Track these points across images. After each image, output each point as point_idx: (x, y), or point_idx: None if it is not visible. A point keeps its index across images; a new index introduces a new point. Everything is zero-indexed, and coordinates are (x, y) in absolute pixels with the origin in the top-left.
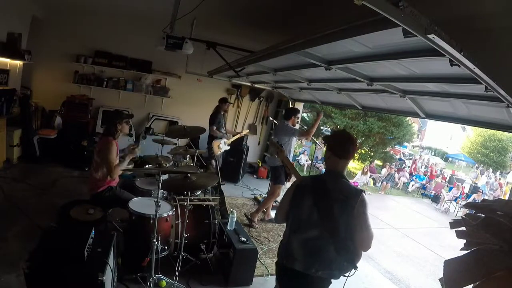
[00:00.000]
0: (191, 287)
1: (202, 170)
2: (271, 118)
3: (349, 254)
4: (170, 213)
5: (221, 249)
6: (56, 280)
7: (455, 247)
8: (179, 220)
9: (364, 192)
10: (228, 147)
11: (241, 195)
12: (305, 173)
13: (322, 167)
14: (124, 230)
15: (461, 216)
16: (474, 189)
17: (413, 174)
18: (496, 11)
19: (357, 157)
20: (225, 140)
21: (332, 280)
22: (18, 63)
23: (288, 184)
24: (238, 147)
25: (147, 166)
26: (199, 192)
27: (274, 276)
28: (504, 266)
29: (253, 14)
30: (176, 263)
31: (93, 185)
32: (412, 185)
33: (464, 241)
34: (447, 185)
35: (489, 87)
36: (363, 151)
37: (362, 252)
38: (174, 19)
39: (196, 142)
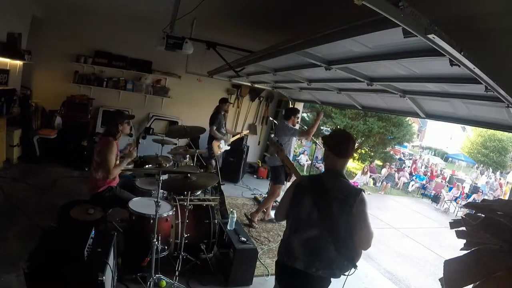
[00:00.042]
0: (191, 287)
1: (202, 170)
2: (271, 118)
3: (349, 253)
4: (170, 213)
5: (221, 249)
6: (56, 280)
7: (455, 247)
8: (179, 220)
9: (364, 191)
10: (228, 147)
11: (241, 195)
12: (305, 173)
13: (322, 167)
14: (124, 230)
15: (461, 216)
16: (474, 189)
17: (413, 174)
18: (496, 11)
19: (357, 157)
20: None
21: (332, 280)
22: (18, 63)
23: (288, 184)
24: (238, 147)
25: (147, 166)
26: (199, 192)
27: (274, 276)
28: (504, 266)
29: (253, 14)
30: (176, 263)
31: (93, 185)
32: (412, 185)
33: (464, 241)
34: (447, 185)
35: (489, 87)
36: (363, 151)
37: (362, 251)
38: (174, 19)
39: (196, 142)
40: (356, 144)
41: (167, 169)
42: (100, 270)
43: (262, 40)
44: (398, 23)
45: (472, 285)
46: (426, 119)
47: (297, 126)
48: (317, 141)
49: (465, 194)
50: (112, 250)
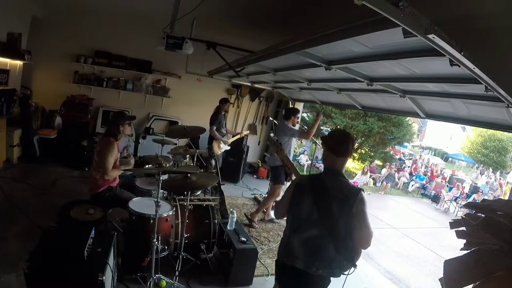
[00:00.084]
0: (191, 287)
1: (202, 170)
2: (271, 118)
3: (348, 253)
4: (170, 213)
5: (221, 249)
6: (56, 280)
7: (455, 247)
8: (179, 220)
9: (363, 191)
10: (228, 147)
11: (241, 195)
12: (305, 173)
13: (322, 167)
14: (124, 230)
15: (461, 216)
16: (474, 189)
17: (413, 174)
18: (496, 11)
19: (357, 157)
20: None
21: (332, 279)
22: (18, 63)
23: (288, 184)
24: (238, 147)
25: (147, 166)
26: (199, 192)
27: (274, 276)
28: (504, 266)
29: (253, 14)
30: (176, 263)
31: (93, 185)
32: (412, 185)
33: (464, 241)
34: (447, 185)
35: (489, 87)
36: (363, 151)
37: (362, 250)
38: (174, 19)
39: (196, 142)
40: (356, 144)
41: (167, 169)
42: (100, 270)
43: (262, 40)
44: (398, 23)
45: (472, 285)
46: (426, 119)
47: (297, 126)
48: (317, 141)
49: (465, 194)
50: (112, 250)
